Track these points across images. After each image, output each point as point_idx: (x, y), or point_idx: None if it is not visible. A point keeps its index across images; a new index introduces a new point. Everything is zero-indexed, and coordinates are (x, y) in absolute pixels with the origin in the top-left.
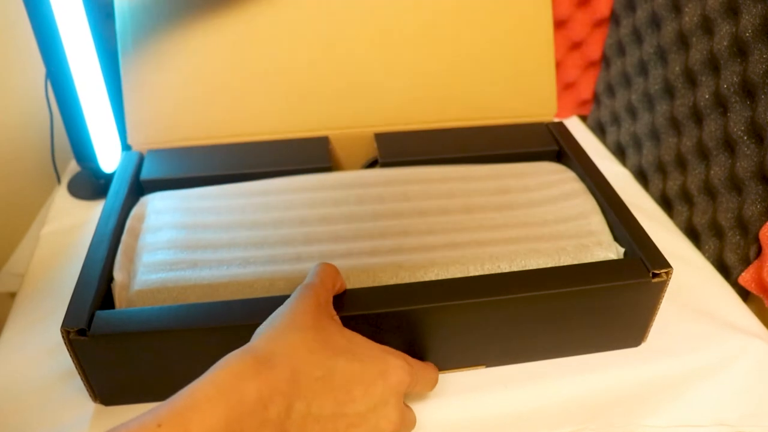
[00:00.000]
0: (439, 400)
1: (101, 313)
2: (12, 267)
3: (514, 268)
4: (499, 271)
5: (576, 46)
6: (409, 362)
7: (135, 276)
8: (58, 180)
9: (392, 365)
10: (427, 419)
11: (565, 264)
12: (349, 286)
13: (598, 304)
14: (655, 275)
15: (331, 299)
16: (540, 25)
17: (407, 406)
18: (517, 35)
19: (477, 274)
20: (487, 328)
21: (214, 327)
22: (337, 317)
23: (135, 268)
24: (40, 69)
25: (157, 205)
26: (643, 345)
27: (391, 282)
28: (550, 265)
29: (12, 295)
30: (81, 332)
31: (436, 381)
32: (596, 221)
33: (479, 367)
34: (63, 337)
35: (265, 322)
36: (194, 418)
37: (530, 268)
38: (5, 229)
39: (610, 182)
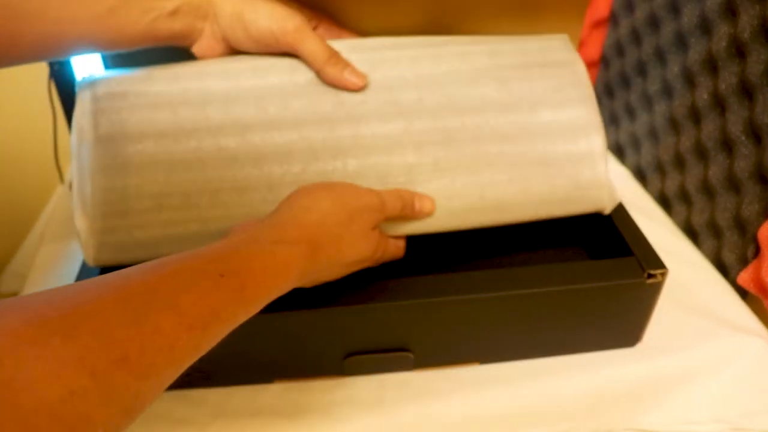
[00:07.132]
0: (435, 397)
1: None
2: (16, 267)
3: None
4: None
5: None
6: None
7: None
8: (61, 179)
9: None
10: (423, 416)
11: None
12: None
13: (593, 304)
14: (650, 276)
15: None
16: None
17: (394, 237)
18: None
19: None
20: (482, 326)
21: None
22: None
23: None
24: (44, 69)
25: None
26: (641, 343)
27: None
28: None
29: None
30: None
31: (402, 249)
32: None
33: (473, 364)
34: None
35: (312, 195)
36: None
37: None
38: (8, 228)
39: None
